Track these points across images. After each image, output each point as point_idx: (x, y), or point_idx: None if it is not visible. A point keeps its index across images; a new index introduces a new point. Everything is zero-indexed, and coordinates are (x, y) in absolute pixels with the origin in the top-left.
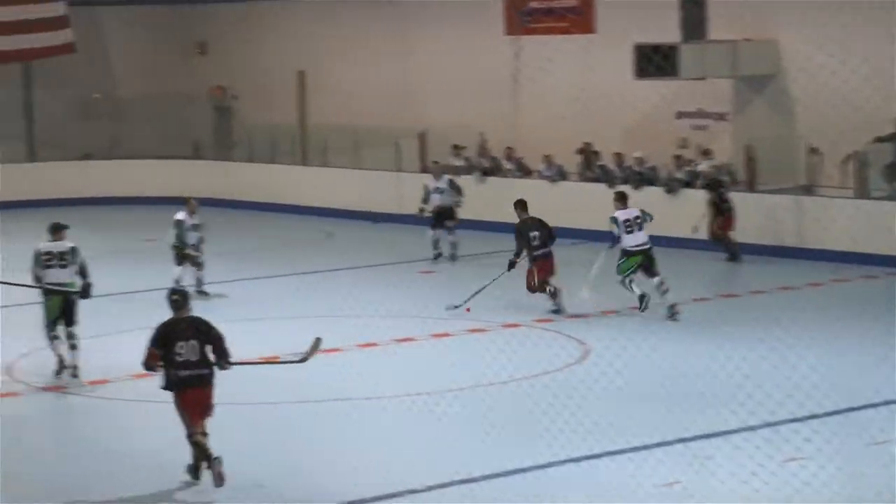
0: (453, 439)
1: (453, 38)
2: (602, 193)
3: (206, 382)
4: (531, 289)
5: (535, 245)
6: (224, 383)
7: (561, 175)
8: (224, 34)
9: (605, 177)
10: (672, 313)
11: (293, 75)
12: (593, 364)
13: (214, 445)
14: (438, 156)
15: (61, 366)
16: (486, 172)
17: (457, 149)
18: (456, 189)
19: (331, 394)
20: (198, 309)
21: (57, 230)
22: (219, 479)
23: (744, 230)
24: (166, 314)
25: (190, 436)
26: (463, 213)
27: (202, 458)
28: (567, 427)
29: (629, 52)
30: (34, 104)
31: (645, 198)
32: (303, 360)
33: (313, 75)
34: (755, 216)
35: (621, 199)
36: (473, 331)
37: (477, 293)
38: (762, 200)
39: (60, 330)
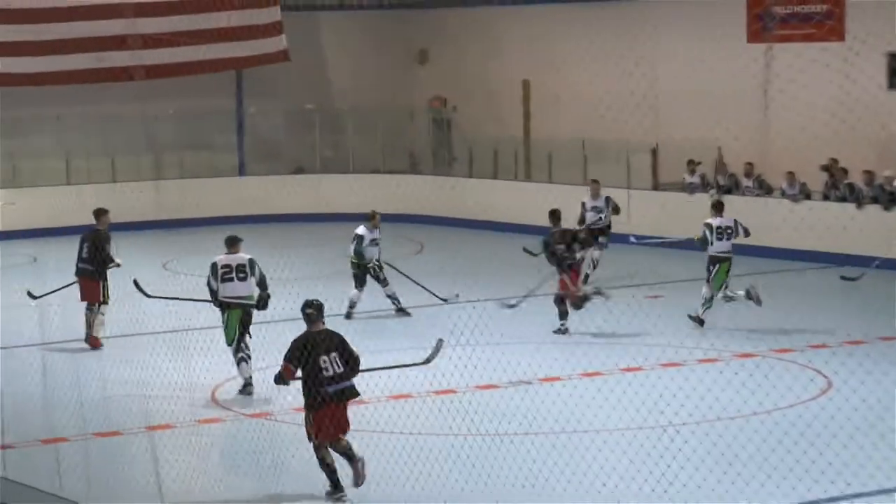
0: (687, 477)
1: (690, 44)
2: (848, 214)
3: (348, 396)
4: (572, 301)
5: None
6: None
7: (804, 194)
8: (445, 42)
9: (853, 196)
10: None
11: (517, 85)
12: (834, 398)
13: (463, 478)
14: (673, 172)
15: (246, 385)
16: (722, 190)
17: (691, 164)
18: (614, 208)
19: (557, 425)
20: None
21: (233, 243)
22: (359, 478)
23: None
24: (386, 340)
25: (318, 449)
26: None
27: (332, 473)
28: (813, 467)
29: (882, 62)
30: (245, 115)
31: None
32: (427, 362)
33: (539, 85)
34: None
35: (718, 208)
36: (705, 361)
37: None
38: None
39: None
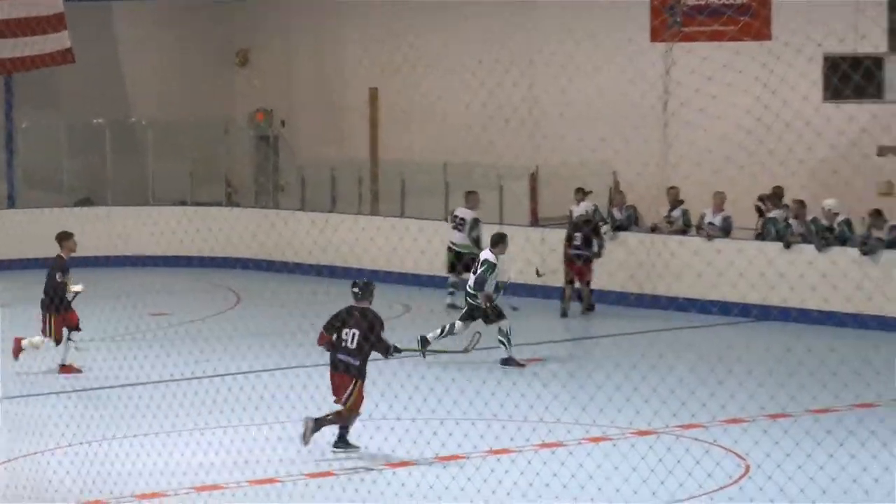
0: None
1: (581, 45)
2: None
3: (347, 369)
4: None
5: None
6: None
7: (725, 230)
8: (271, 41)
9: (777, 232)
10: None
11: (362, 94)
12: (746, 486)
13: None
14: (555, 204)
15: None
16: (619, 227)
17: (579, 193)
18: (474, 228)
19: None
20: None
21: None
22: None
23: None
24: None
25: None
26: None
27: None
28: None
29: (816, 67)
30: (16, 131)
31: (833, 261)
32: (465, 352)
33: (389, 95)
34: None
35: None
36: (591, 440)
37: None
38: None
39: None
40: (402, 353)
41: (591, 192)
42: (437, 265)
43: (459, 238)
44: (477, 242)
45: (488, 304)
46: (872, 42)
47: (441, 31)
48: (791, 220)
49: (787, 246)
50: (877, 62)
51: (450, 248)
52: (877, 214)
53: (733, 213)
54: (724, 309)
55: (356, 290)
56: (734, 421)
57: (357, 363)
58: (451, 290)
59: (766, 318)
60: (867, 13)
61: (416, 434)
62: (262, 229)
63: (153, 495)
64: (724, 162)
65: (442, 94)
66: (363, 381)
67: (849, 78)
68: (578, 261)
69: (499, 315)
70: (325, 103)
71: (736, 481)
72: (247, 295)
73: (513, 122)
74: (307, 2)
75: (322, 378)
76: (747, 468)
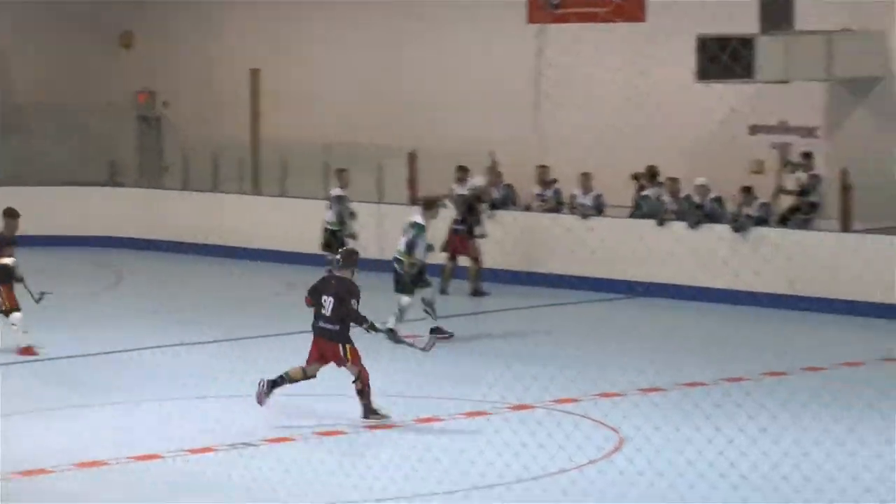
0: None
1: (458, 26)
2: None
3: (327, 336)
4: None
5: None
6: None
7: (598, 207)
8: (154, 23)
9: (651, 210)
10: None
11: (244, 76)
12: (633, 456)
13: None
14: (438, 182)
15: None
16: (495, 206)
17: (461, 171)
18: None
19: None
20: None
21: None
22: (259, 398)
23: (823, 280)
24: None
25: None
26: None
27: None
28: None
29: (690, 47)
30: None
31: (705, 238)
32: (424, 350)
33: (271, 76)
34: (852, 262)
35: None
36: (471, 414)
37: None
38: (860, 242)
39: None
40: (375, 335)
41: (468, 170)
42: (318, 244)
43: (330, 216)
44: (341, 219)
45: (414, 269)
46: (745, 23)
47: (321, 12)
48: (665, 198)
49: (661, 223)
50: (747, 43)
51: (325, 228)
52: (747, 192)
53: (608, 191)
54: (597, 285)
55: (337, 258)
56: (606, 395)
57: (336, 328)
58: (328, 268)
59: (640, 294)
60: None
61: (294, 409)
62: (146, 209)
63: (32, 472)
64: (597, 141)
65: (322, 75)
66: (351, 345)
67: (720, 58)
68: (457, 235)
69: (424, 282)
70: (208, 84)
71: (608, 454)
72: (129, 274)
73: (392, 102)
74: None
75: (201, 355)
76: (620, 441)
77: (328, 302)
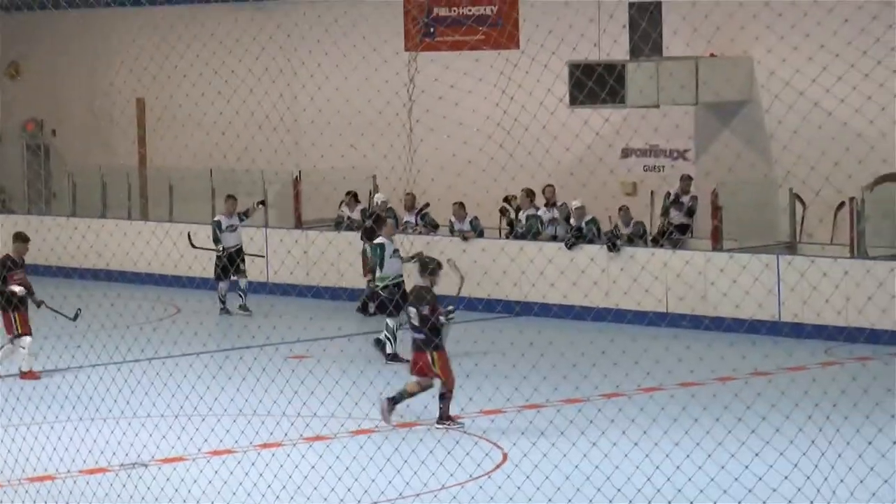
0: None
1: (340, 54)
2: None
3: (421, 345)
4: None
5: None
6: None
7: (478, 230)
8: (41, 53)
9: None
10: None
11: (130, 105)
12: (511, 472)
13: None
14: (324, 206)
15: None
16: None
17: (350, 197)
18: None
19: None
20: None
21: None
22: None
23: (703, 298)
24: None
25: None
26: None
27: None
28: None
29: (560, 73)
30: None
31: (579, 258)
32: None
33: (155, 105)
34: (722, 281)
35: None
36: (357, 433)
37: None
38: (733, 261)
39: None
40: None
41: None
42: (206, 268)
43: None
44: (216, 242)
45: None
46: (615, 51)
47: (203, 41)
48: (546, 216)
49: (570, 246)
50: (617, 69)
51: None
52: (626, 211)
53: (480, 214)
54: (471, 305)
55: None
56: (485, 412)
57: (423, 336)
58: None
59: (518, 313)
60: (610, 24)
61: (180, 430)
62: (35, 235)
63: None
64: (469, 166)
65: (205, 102)
66: (440, 351)
67: (592, 84)
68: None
69: (397, 307)
70: (95, 113)
71: (490, 471)
72: None
73: (274, 127)
74: (75, 16)
75: (91, 377)
76: (503, 457)
77: (413, 312)
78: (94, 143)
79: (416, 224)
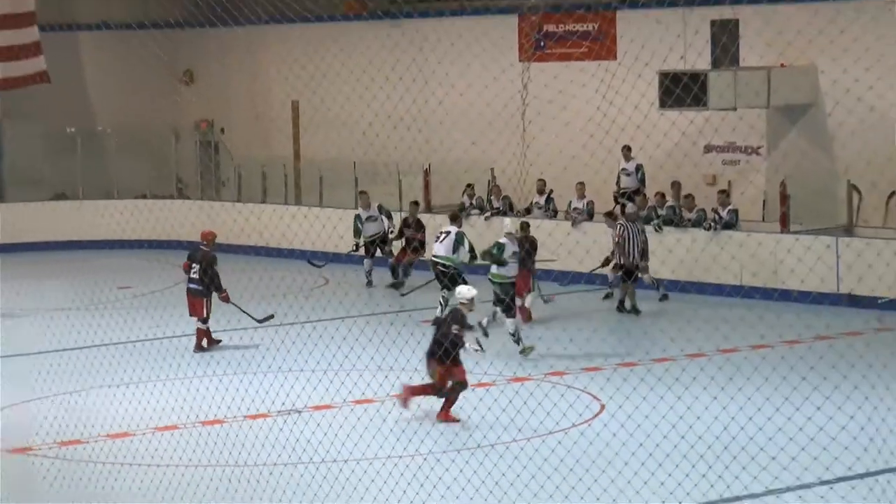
0: None
1: (465, 64)
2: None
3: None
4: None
5: None
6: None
7: (589, 213)
8: (211, 62)
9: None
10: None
11: (286, 106)
12: (608, 421)
13: None
14: (448, 194)
15: None
16: (495, 213)
17: (468, 188)
18: (387, 215)
19: (328, 455)
20: None
21: None
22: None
23: (774, 274)
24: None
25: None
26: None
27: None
28: (581, 488)
29: (654, 81)
30: (3, 138)
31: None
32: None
33: (308, 106)
34: (789, 258)
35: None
36: (477, 386)
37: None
38: (799, 243)
39: None
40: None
41: (470, 185)
42: (349, 245)
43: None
44: (356, 233)
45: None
46: (699, 61)
47: (348, 51)
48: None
49: (659, 229)
50: (700, 77)
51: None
52: (725, 195)
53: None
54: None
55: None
56: (588, 370)
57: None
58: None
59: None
60: (695, 39)
61: (329, 382)
62: (207, 218)
63: (120, 435)
64: (572, 160)
65: (350, 104)
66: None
67: (679, 90)
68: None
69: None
70: (257, 114)
71: (589, 420)
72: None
73: (408, 126)
74: (240, 31)
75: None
76: (602, 408)
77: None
78: (256, 140)
79: (542, 206)
